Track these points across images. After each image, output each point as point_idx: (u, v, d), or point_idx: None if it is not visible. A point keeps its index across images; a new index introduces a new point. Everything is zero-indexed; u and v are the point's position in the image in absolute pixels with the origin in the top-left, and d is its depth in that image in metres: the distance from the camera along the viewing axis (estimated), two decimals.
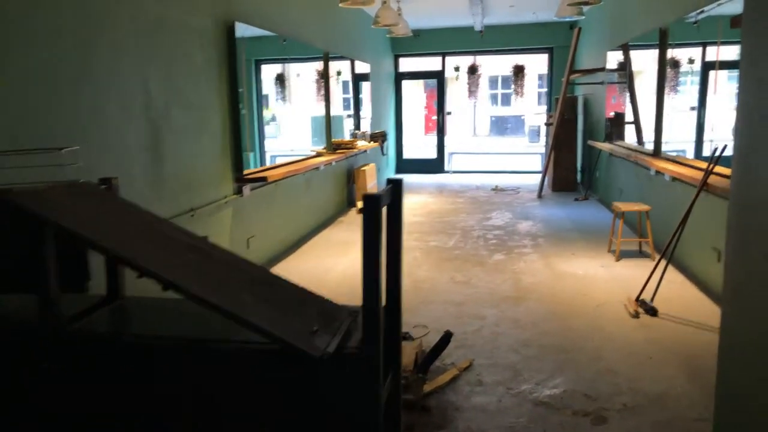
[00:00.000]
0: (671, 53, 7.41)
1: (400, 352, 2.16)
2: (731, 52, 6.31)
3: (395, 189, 1.92)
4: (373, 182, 8.61)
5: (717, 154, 3.76)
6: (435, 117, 12.40)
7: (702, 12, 6.01)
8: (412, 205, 8.34)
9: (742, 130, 1.71)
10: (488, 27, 11.00)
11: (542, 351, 3.38)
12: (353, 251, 5.74)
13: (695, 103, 9.35)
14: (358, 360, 1.63)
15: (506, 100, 23.86)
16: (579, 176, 9.66)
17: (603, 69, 8.23)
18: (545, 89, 12.69)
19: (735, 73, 11.19)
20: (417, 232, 6.55)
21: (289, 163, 6.20)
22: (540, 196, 8.85)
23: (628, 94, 8.17)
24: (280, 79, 10.36)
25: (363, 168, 8.29)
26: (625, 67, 7.99)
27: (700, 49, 9.49)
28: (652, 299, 3.97)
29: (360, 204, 8.41)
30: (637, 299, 3.98)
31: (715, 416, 1.97)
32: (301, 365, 1.60)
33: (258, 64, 9.24)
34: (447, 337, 3.02)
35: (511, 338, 3.57)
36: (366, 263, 1.62)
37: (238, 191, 4.76)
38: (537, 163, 12.35)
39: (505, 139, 22.40)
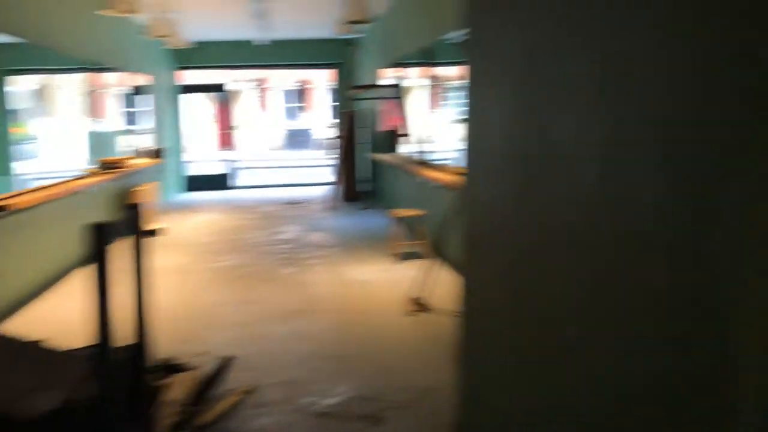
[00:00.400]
0: (438, 71, 8.17)
1: (153, 390, 1.99)
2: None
3: (134, 214, 1.77)
4: (154, 201, 8.02)
5: None
6: (225, 131, 12.04)
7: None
8: (201, 225, 7.96)
9: (468, 150, 1.91)
10: (275, 42, 11.03)
11: (326, 362, 3.44)
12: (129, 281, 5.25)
13: (460, 117, 10.41)
14: (91, 412, 1.46)
15: (299, 114, 24.21)
16: (365, 187, 10.15)
17: (377, 85, 8.78)
18: (336, 103, 13.19)
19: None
20: (204, 253, 6.25)
21: (43, 188, 5.46)
22: (331, 207, 9.10)
23: (403, 109, 8.84)
24: (41, 93, 9.20)
25: (141, 187, 7.68)
26: (398, 83, 8.64)
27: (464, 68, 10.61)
28: (426, 297, 4.30)
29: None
30: (413, 298, 4.28)
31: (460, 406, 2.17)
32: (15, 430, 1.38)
33: (2, 74, 8.04)
34: (225, 364, 2.90)
35: (296, 353, 3.57)
36: (97, 301, 1.46)
37: None
38: (329, 176, 12.71)
39: (299, 151, 22.67)
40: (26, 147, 9.83)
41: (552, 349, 1.31)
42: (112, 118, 9.14)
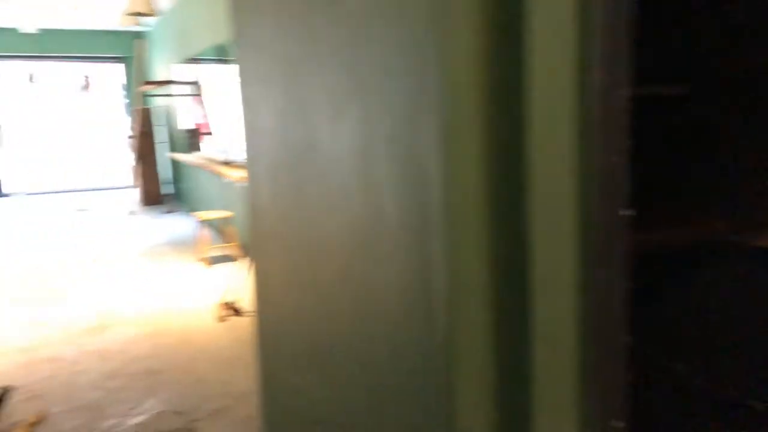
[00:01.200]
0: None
1: None
2: None
3: None
4: None
5: None
6: None
7: None
8: None
9: (247, 149, 1.93)
10: (46, 31, 9.77)
11: (130, 379, 3.21)
12: None
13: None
14: None
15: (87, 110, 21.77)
16: (167, 189, 9.57)
17: (171, 82, 8.32)
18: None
19: None
20: None
21: None
22: (131, 212, 8.41)
23: (204, 107, 8.50)
24: None
25: None
26: (195, 81, 8.28)
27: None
28: (239, 300, 4.24)
29: None
30: (224, 303, 4.19)
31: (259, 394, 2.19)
32: None
33: None
34: (2, 395, 2.56)
35: (93, 374, 3.27)
36: None
37: None
38: (127, 177, 11.69)
39: (88, 151, 20.43)
40: None
41: (326, 348, 1.39)
42: None
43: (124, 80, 11.33)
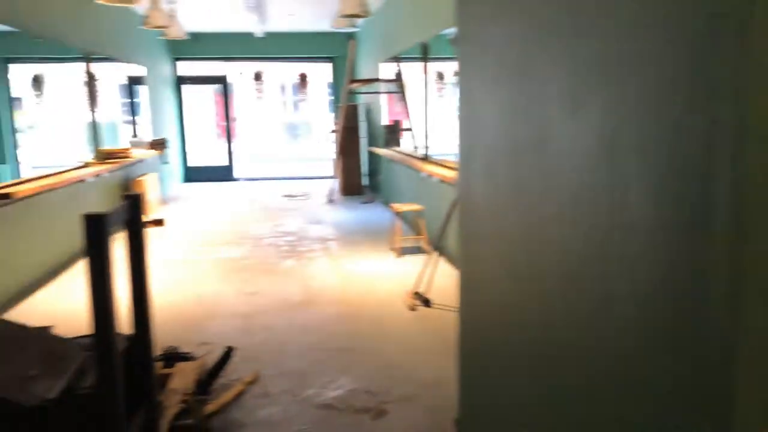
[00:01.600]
0: (437, 66, 8.20)
1: (155, 380, 2.01)
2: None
3: (132, 205, 1.77)
4: (154, 192, 8.01)
5: None
6: (225, 123, 12.00)
7: None
8: (200, 217, 7.95)
9: (461, 145, 1.92)
10: (271, 34, 11.00)
11: (328, 354, 3.46)
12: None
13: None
14: (92, 401, 1.47)
15: (297, 107, 24.15)
16: (365, 180, 10.17)
17: (377, 80, 8.77)
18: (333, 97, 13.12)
19: None
20: (204, 245, 6.25)
21: (45, 177, 5.46)
22: (330, 201, 9.11)
23: (406, 103, 8.84)
24: (37, 81, 9.15)
25: (141, 178, 7.67)
26: (399, 77, 8.64)
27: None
28: (427, 291, 4.33)
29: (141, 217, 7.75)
30: (414, 293, 4.31)
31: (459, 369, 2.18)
32: (16, 417, 1.39)
33: (5, 62, 8.01)
34: (227, 354, 2.92)
35: (298, 345, 3.59)
36: (94, 292, 1.46)
37: None
38: (328, 169, 12.71)
39: (297, 144, 22.64)
40: (30, 135, 9.83)
41: (544, 350, 1.32)
42: (112, 108, 9.13)
43: (331, 79, 12.27)
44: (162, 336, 3.67)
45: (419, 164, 6.11)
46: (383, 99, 8.89)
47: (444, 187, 5.47)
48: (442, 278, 4.61)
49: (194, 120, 12.31)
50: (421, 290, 4.33)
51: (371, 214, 8.05)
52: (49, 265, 5.19)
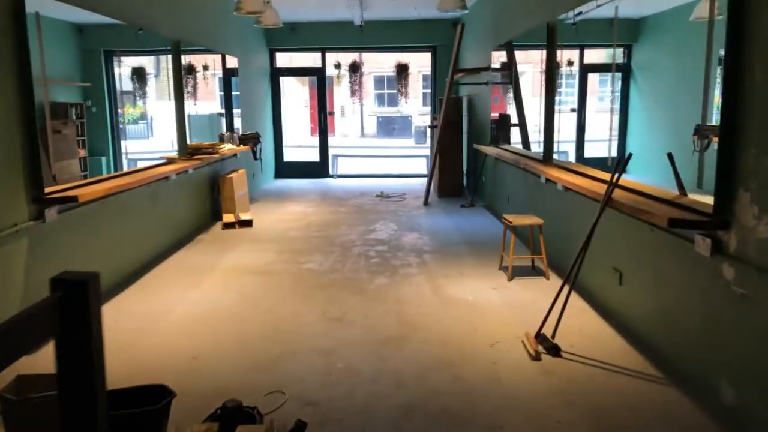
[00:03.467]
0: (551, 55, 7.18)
1: None
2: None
3: (78, 299, 0.93)
4: (242, 191, 7.58)
5: (620, 164, 3.25)
6: (320, 117, 11.51)
7: (580, 14, 5.76)
8: (288, 217, 7.42)
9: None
10: (369, 22, 10.32)
11: (428, 420, 2.65)
12: (207, 281, 4.73)
13: (575, 105, 9.26)
14: None
15: (392, 101, 23.54)
16: (465, 181, 9.25)
17: (488, 68, 7.81)
18: (430, 90, 12.29)
19: (607, 76, 11.36)
20: (290, 252, 5.65)
21: (121, 175, 5.06)
22: (426, 202, 8.29)
23: (512, 95, 7.83)
24: (139, 74, 9.04)
25: (230, 175, 7.24)
26: (509, 66, 7.64)
27: (577, 52, 9.44)
28: (554, 334, 3.40)
29: (226, 218, 7.38)
30: (537, 335, 3.39)
31: None
32: None
33: (109, 55, 7.90)
34: (298, 428, 2.19)
35: (390, 402, 2.80)
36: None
37: (38, 215, 3.60)
38: (423, 166, 11.90)
39: (392, 140, 22.02)
40: (139, 127, 9.88)
41: None
42: (214, 101, 8.91)
43: (430, 70, 11.43)
44: (227, 376, 3.04)
45: (538, 167, 5.14)
46: (490, 91, 7.92)
47: (570, 197, 4.48)
48: (571, 315, 3.65)
49: (289, 113, 11.96)
50: (545, 332, 3.41)
51: (473, 220, 7.14)
52: (131, 266, 4.78)
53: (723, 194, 2.54)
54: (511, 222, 4.67)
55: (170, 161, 5.98)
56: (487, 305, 4.12)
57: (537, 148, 7.13)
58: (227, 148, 7.57)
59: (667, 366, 3.08)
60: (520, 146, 7.37)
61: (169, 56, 6.44)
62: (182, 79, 6.40)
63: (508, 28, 6.90)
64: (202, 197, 6.84)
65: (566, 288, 3.44)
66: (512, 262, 4.71)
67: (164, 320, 3.88)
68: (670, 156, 3.22)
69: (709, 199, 2.66)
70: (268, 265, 5.18)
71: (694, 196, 3.16)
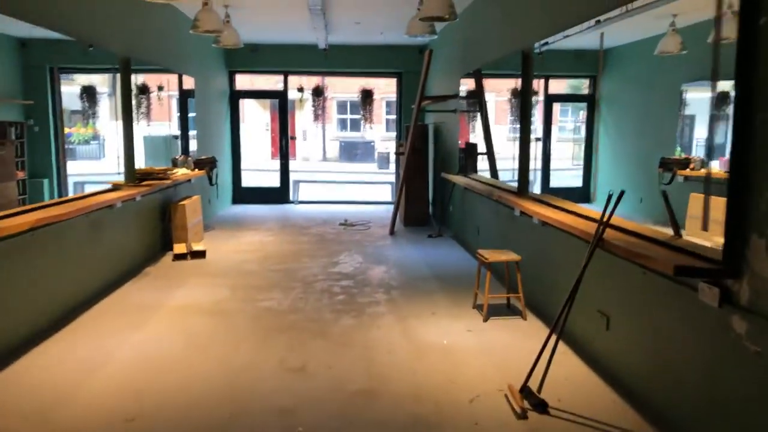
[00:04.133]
0: (513, 83, 7.09)
1: None
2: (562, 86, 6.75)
3: None
4: (196, 219, 7.09)
5: (612, 201, 2.98)
6: (281, 141, 11.09)
7: (546, 44, 5.65)
8: (246, 248, 6.95)
9: None
10: (334, 46, 10.07)
11: None
12: (151, 322, 4.24)
13: (540, 134, 9.16)
14: None
15: (355, 126, 23.35)
16: (431, 210, 8.98)
17: (456, 96, 7.62)
18: (394, 116, 12.12)
19: (569, 106, 11.34)
20: (246, 287, 5.20)
21: (56, 204, 4.56)
22: (392, 232, 7.96)
23: (479, 124, 7.66)
24: (89, 92, 8.52)
25: (183, 202, 6.75)
26: (477, 94, 7.46)
27: (542, 81, 9.37)
28: (540, 388, 3.07)
29: (177, 248, 6.85)
30: (522, 389, 3.05)
31: None
32: None
33: (55, 72, 7.38)
34: None
35: None
36: None
37: None
38: (387, 193, 11.61)
39: (354, 165, 21.74)
40: (91, 147, 9.26)
41: None
42: (169, 122, 8.45)
43: (392, 96, 11.23)
44: None
45: (513, 199, 4.88)
46: (458, 118, 7.71)
47: (549, 233, 4.21)
48: (559, 365, 3.33)
49: (250, 136, 11.53)
50: (530, 384, 3.08)
51: (441, 252, 6.83)
52: (64, 306, 4.24)
53: (733, 240, 2.29)
54: (486, 258, 4.37)
55: (116, 187, 5.48)
56: (463, 350, 3.77)
57: (504, 177, 6.95)
58: (181, 173, 7.09)
59: (663, 423, 2.79)
60: (487, 175, 7.16)
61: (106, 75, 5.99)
62: (131, 98, 5.94)
63: (478, 55, 6.72)
64: (152, 226, 6.32)
65: (553, 337, 3.12)
66: (486, 301, 4.39)
67: (97, 373, 3.37)
68: (664, 194, 2.98)
69: (699, 240, 2.43)
70: (220, 303, 4.72)
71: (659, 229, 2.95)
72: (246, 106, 23.25)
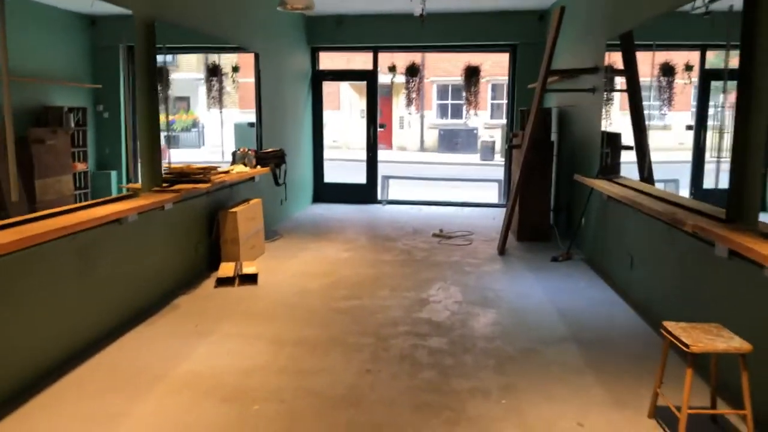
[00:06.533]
0: (659, 57, 5.13)
1: None
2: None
3: None
4: (254, 229, 5.65)
5: None
6: (372, 130, 9.47)
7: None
8: (312, 268, 5.41)
9: None
10: (433, 15, 8.24)
11: None
12: (136, 412, 2.74)
13: (692, 121, 6.74)
14: None
15: (456, 113, 21.38)
16: (552, 220, 6.97)
17: (596, 69, 5.58)
18: (500, 101, 10.09)
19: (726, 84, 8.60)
20: (295, 343, 3.62)
21: (47, 216, 3.20)
22: (502, 251, 6.09)
23: (615, 108, 5.61)
24: (160, 74, 7.37)
25: (235, 209, 5.33)
26: (624, 69, 5.39)
27: (697, 54, 6.92)
28: None
29: (222, 270, 4.90)
30: None
31: None
32: None
33: (127, 52, 6.29)
34: None
35: None
36: None
37: None
38: (493, 191, 9.68)
39: (455, 156, 19.82)
40: (190, 135, 8.62)
41: None
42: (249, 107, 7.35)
43: (497, 77, 9.23)
44: None
45: (719, 231, 2.88)
46: (601, 100, 5.66)
47: None
48: None
49: (334, 125, 10.06)
50: None
51: (575, 288, 4.89)
52: (33, 367, 2.88)
53: None
54: (689, 346, 2.43)
55: (130, 194, 4.10)
56: None
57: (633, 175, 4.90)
58: (237, 170, 5.67)
59: None
60: (635, 177, 5.13)
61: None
62: (155, 75, 4.59)
63: (619, 19, 4.67)
64: (191, 242, 4.93)
65: None
66: (686, 418, 2.47)
67: None
68: None
69: None
70: (250, 376, 3.16)
71: None
72: (342, 90, 21.98)
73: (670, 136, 5.40)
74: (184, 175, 4.64)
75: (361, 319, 4.06)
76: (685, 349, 2.44)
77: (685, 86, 5.21)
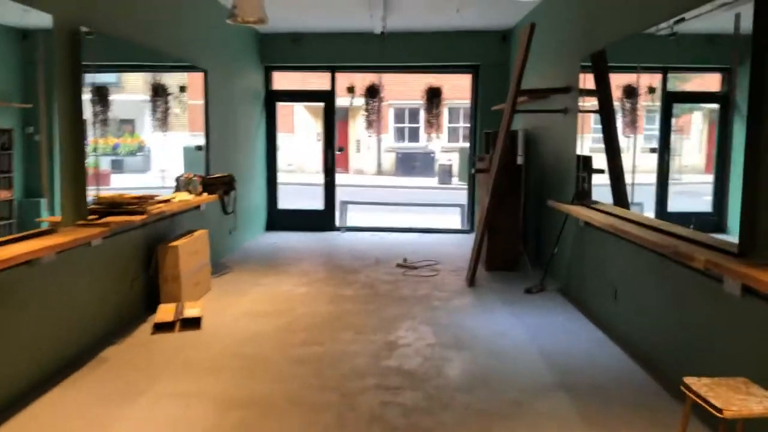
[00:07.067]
0: (621, 79, 4.97)
1: None
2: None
3: None
4: (198, 263, 5.06)
5: None
6: (328, 153, 8.98)
7: (682, 20, 3.49)
8: (264, 307, 4.85)
9: None
10: (394, 35, 7.92)
11: None
12: None
13: (655, 144, 6.53)
14: None
15: (413, 136, 21.19)
16: (521, 246, 6.61)
17: (569, 90, 5.31)
18: (456, 123, 9.82)
19: (710, 107, 8.52)
20: (243, 405, 3.06)
21: None
22: (472, 282, 5.68)
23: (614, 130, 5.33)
24: (100, 94, 6.65)
25: (177, 242, 4.73)
26: (601, 89, 5.12)
27: (659, 76, 6.76)
28: None
29: (160, 314, 4.01)
30: None
31: None
32: None
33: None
34: None
35: None
36: None
37: None
38: (456, 216, 9.33)
39: (412, 179, 19.54)
40: (136, 159, 7.91)
41: None
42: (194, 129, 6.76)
43: (455, 101, 8.96)
44: None
45: (731, 266, 2.52)
46: (574, 120, 5.38)
47: None
48: None
49: (288, 148, 9.54)
50: None
51: (554, 323, 4.49)
52: None
53: None
54: (721, 411, 2.02)
55: (49, 230, 3.48)
56: None
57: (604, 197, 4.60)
58: (179, 199, 5.08)
59: None
60: (607, 201, 4.83)
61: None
62: (80, 93, 3.99)
63: (616, 24, 4.41)
64: (124, 283, 4.31)
65: None
66: None
67: None
68: None
69: None
70: None
71: None
72: (296, 112, 21.45)
73: (626, 158, 5.12)
74: (115, 205, 4.04)
75: (323, 370, 3.54)
76: (717, 414, 2.03)
77: (639, 109, 4.96)
